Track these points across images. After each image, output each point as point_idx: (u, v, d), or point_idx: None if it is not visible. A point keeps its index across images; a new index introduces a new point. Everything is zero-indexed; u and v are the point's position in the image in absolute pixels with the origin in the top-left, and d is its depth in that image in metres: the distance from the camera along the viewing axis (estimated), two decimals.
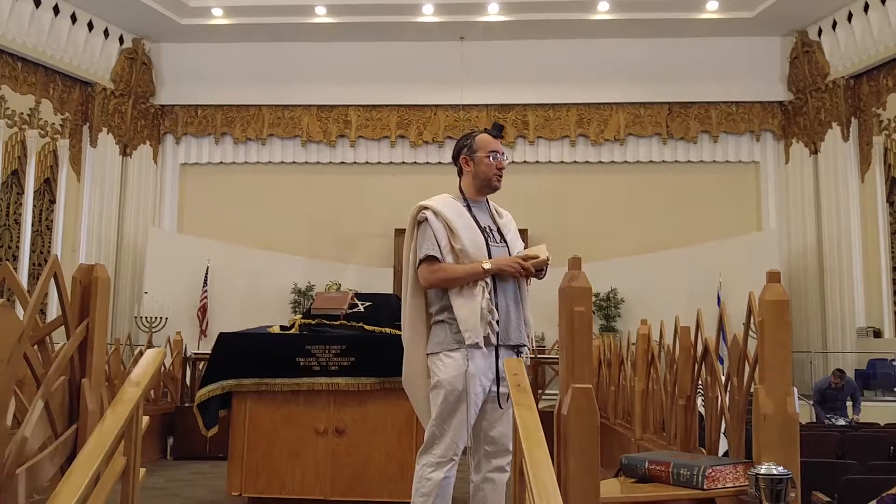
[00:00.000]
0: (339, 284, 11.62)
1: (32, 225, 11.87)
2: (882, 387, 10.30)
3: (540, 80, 12.89)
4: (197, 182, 13.66)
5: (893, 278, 11.49)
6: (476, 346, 2.70)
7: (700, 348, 3.28)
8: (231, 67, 13.18)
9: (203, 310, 12.08)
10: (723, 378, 2.88)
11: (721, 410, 2.90)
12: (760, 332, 2.36)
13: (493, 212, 3.02)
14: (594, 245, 11.95)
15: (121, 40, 12.98)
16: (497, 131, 2.98)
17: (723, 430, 3.01)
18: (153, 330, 11.20)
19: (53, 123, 12.25)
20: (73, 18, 12.14)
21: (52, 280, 1.88)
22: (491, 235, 2.89)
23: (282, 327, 4.53)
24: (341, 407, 4.16)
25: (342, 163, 13.45)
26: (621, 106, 13.13)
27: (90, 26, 12.43)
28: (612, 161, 13.19)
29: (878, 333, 11.36)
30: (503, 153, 2.97)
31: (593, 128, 13.15)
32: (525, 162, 13.12)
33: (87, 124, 12.78)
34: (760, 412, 2.29)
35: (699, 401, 3.54)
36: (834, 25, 12.02)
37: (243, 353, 4.22)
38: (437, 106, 13.29)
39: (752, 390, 2.51)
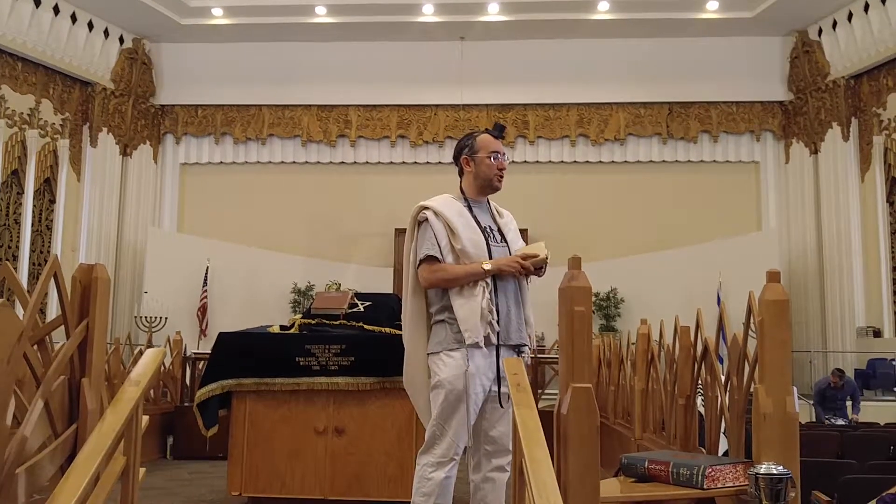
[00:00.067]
0: (339, 284, 11.61)
1: (32, 225, 11.87)
2: (882, 386, 10.30)
3: (540, 80, 12.88)
4: (197, 182, 13.66)
5: (893, 278, 11.49)
6: (476, 345, 2.70)
7: (700, 348, 3.28)
8: (231, 67, 13.18)
9: (203, 309, 12.08)
10: (722, 378, 2.88)
11: (721, 410, 2.90)
12: (760, 331, 2.36)
13: (494, 212, 3.02)
14: (594, 245, 11.95)
15: (121, 40, 12.98)
16: (498, 132, 2.99)
17: (722, 429, 3.01)
18: (153, 329, 11.20)
19: (53, 123, 12.25)
20: (73, 18, 12.14)
21: (52, 280, 1.88)
22: (491, 235, 2.89)
23: (282, 327, 4.53)
24: (341, 407, 4.16)
25: (342, 163, 13.45)
26: (621, 106, 13.12)
27: (90, 26, 12.43)
28: (612, 161, 13.19)
29: (877, 333, 11.36)
30: (504, 153, 2.97)
31: (593, 128, 13.15)
32: (525, 162, 13.12)
33: (88, 124, 12.78)
34: (760, 412, 2.29)
35: (699, 400, 3.54)
36: (834, 25, 12.02)
37: (243, 353, 4.23)
38: (437, 106, 13.28)
39: (751, 390, 2.51)
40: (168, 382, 7.54)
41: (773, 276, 2.40)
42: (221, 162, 13.59)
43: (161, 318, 11.53)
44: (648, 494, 2.34)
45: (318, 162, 13.47)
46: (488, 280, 2.76)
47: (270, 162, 13.54)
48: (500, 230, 2.95)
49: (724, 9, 12.15)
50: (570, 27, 12.53)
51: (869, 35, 11.46)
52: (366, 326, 4.35)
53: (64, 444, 1.89)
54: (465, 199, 2.94)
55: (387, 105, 13.31)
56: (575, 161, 13.23)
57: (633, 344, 5.40)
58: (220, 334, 4.40)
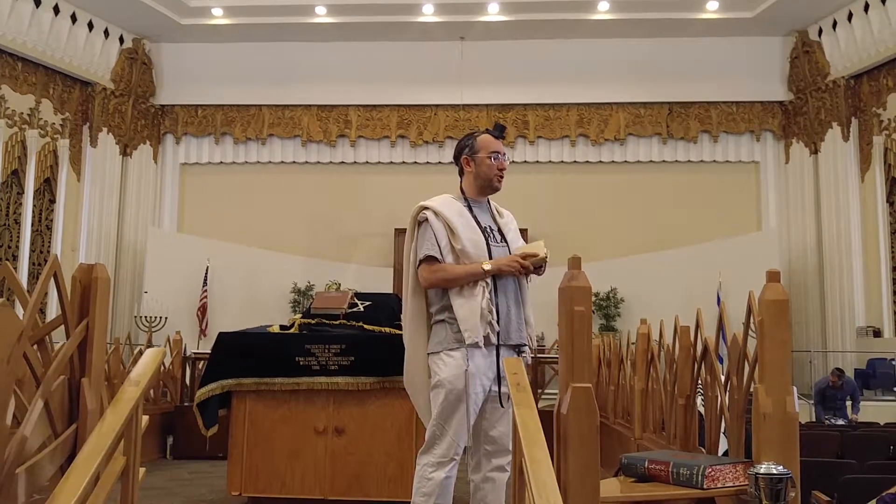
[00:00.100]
0: (339, 284, 11.61)
1: (32, 225, 11.87)
2: (882, 386, 10.31)
3: (540, 80, 12.88)
4: (197, 182, 13.66)
5: (893, 278, 11.50)
6: (476, 345, 2.70)
7: (700, 348, 3.28)
8: (231, 67, 13.18)
9: (203, 309, 12.08)
10: (722, 377, 2.88)
11: (721, 410, 2.90)
12: (760, 331, 2.36)
13: (494, 212, 3.02)
14: (594, 245, 11.95)
15: (121, 40, 12.98)
16: (499, 132, 2.99)
17: (722, 429, 3.00)
18: (153, 329, 11.20)
19: (53, 123, 12.25)
20: (73, 18, 12.14)
21: (52, 279, 1.88)
22: (491, 235, 2.90)
23: (281, 327, 4.53)
24: (341, 406, 4.16)
25: (342, 162, 13.45)
26: (621, 106, 13.12)
27: (90, 26, 12.43)
28: (612, 161, 13.19)
29: (877, 333, 11.37)
30: (504, 154, 2.97)
31: (593, 128, 13.14)
32: (525, 162, 13.11)
33: (87, 124, 12.78)
34: (760, 411, 2.29)
35: (699, 400, 3.54)
36: (834, 25, 12.02)
37: (243, 353, 4.23)
38: (437, 106, 13.28)
39: (751, 390, 2.51)
40: (168, 382, 7.54)
41: (773, 276, 2.40)
42: (221, 162, 13.59)
43: (161, 317, 11.53)
44: (648, 494, 2.34)
45: (318, 162, 13.47)
46: (488, 280, 2.77)
47: (270, 162, 13.54)
48: (500, 230, 2.96)
49: (724, 9, 12.15)
50: (570, 27, 12.53)
51: (869, 35, 11.46)
52: (366, 326, 4.35)
53: (64, 443, 1.89)
54: (466, 199, 2.94)
55: (387, 105, 13.31)
56: (575, 161, 13.23)
57: (632, 344, 5.40)
58: (220, 334, 4.40)
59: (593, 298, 8.01)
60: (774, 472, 2.01)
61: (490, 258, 2.80)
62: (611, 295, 12.14)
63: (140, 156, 13.36)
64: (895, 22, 11.01)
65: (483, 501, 2.78)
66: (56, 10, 11.81)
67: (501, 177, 2.95)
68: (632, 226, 12.62)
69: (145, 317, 11.60)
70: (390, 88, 13.10)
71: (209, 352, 4.57)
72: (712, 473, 2.26)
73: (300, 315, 4.64)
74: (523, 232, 3.17)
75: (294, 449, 4.15)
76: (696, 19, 12.34)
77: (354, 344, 4.18)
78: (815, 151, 12.48)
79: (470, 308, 2.72)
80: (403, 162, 13.37)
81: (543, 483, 1.76)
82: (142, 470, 2.21)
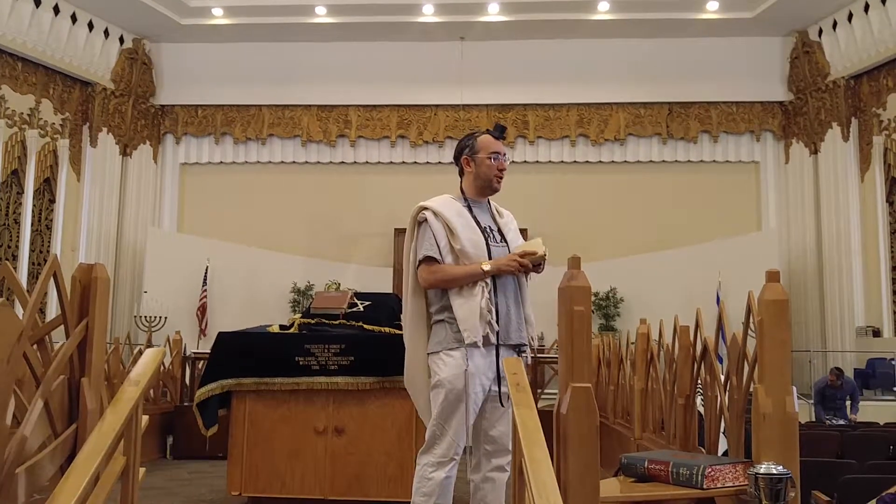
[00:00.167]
0: (339, 284, 11.61)
1: (32, 224, 11.86)
2: (881, 386, 10.31)
3: (540, 80, 12.88)
4: (197, 182, 13.66)
5: (893, 278, 11.50)
6: (475, 345, 2.70)
7: (699, 348, 3.28)
8: (231, 67, 13.18)
9: (202, 309, 12.08)
10: (722, 377, 2.88)
11: (720, 410, 2.90)
12: (760, 331, 2.36)
13: (494, 212, 3.02)
14: (594, 245, 11.95)
15: (121, 40, 12.98)
16: (499, 132, 2.99)
17: (722, 429, 3.00)
18: (153, 329, 11.20)
19: (53, 123, 12.24)
20: (74, 18, 12.13)
21: (52, 279, 1.88)
22: (491, 235, 2.90)
23: (281, 326, 4.53)
24: (341, 406, 4.16)
25: (342, 163, 13.45)
26: (621, 106, 13.12)
27: (90, 26, 12.43)
28: (612, 161, 13.19)
29: (877, 333, 11.37)
30: (504, 154, 2.97)
31: (593, 128, 13.14)
32: (525, 162, 13.11)
33: (87, 124, 12.78)
34: (760, 411, 2.29)
35: (698, 400, 3.54)
36: (834, 25, 12.02)
37: (242, 353, 4.23)
38: (437, 106, 13.28)
39: (751, 390, 2.51)
40: (168, 382, 7.54)
41: (773, 276, 2.40)
42: (221, 162, 13.59)
43: (161, 317, 11.53)
44: (648, 494, 2.34)
45: (318, 162, 13.47)
46: (487, 280, 2.77)
47: (270, 162, 13.54)
48: (499, 230, 2.96)
49: (724, 9, 12.15)
50: (570, 27, 12.53)
51: (869, 35, 11.46)
52: (365, 326, 4.35)
53: (64, 443, 1.89)
54: (465, 200, 2.95)
55: (387, 105, 13.31)
56: (575, 161, 13.23)
57: (632, 343, 5.40)
58: (220, 334, 4.40)
59: (593, 298, 8.00)
60: (774, 472, 2.01)
61: (489, 258, 2.80)
62: (610, 295, 12.14)
63: (140, 156, 13.36)
64: (895, 22, 11.01)
65: (483, 501, 2.78)
66: (56, 10, 11.81)
67: (501, 177, 2.96)
68: (632, 226, 12.62)
69: (145, 317, 11.61)
70: (390, 88, 13.10)
71: (209, 352, 4.57)
72: (712, 473, 2.26)
73: (300, 315, 4.64)
74: (523, 232, 3.17)
75: (294, 449, 4.15)
76: (696, 19, 12.34)
77: (354, 344, 4.18)
78: (815, 151, 12.48)
79: (469, 308, 2.73)
80: (403, 162, 13.37)
81: (543, 483, 1.76)
82: (142, 470, 2.21)
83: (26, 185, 11.77)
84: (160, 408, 7.14)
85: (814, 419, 8.49)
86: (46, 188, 12.19)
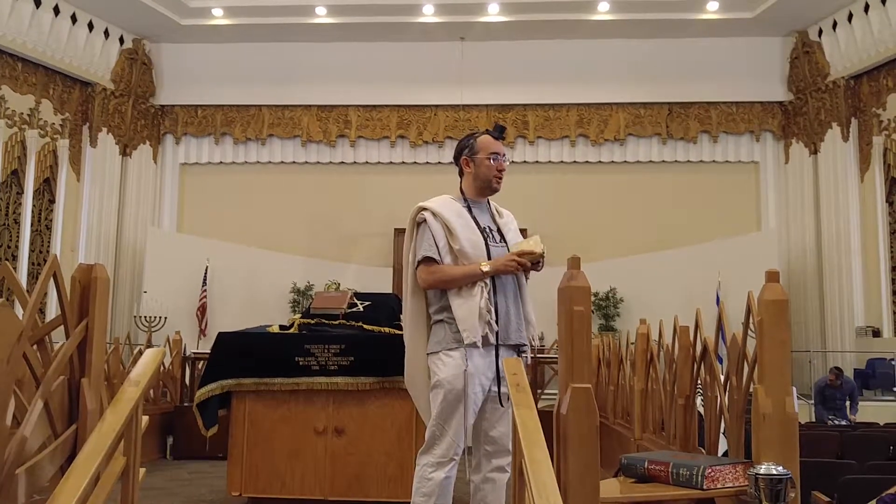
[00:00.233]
0: (339, 284, 11.61)
1: (32, 225, 11.86)
2: (881, 386, 10.31)
3: (540, 80, 12.89)
4: (197, 182, 13.66)
5: (893, 278, 11.50)
6: (474, 345, 2.70)
7: (699, 348, 3.28)
8: (231, 67, 13.19)
9: (202, 309, 12.08)
10: (722, 378, 2.88)
11: (720, 410, 2.90)
12: (759, 331, 2.36)
13: (494, 212, 3.02)
14: (594, 245, 11.96)
15: (121, 40, 12.98)
16: (499, 133, 2.99)
17: (722, 429, 3.00)
18: (152, 329, 11.20)
19: (53, 123, 12.24)
20: (74, 19, 12.14)
21: (52, 280, 1.88)
22: (490, 236, 2.90)
23: (281, 327, 4.53)
24: (340, 407, 4.16)
25: (342, 163, 13.45)
26: (621, 106, 13.13)
27: (90, 26, 12.43)
28: (612, 161, 13.19)
29: (877, 333, 11.37)
30: (504, 155, 2.97)
31: (593, 128, 13.15)
32: (525, 162, 13.12)
33: (87, 124, 12.78)
34: (760, 412, 2.29)
35: (698, 400, 3.54)
36: (834, 26, 12.02)
37: (242, 353, 4.23)
38: (437, 106, 13.28)
39: (751, 390, 2.51)
40: (168, 382, 7.54)
41: (773, 276, 2.40)
42: (221, 162, 13.59)
43: (160, 317, 11.53)
44: (648, 495, 2.34)
45: (318, 162, 13.47)
46: (487, 280, 2.77)
47: (270, 162, 13.54)
48: (499, 230, 2.96)
49: (724, 9, 12.16)
50: (570, 28, 12.53)
51: (869, 35, 11.47)
52: (365, 326, 4.35)
53: (64, 444, 1.89)
54: (465, 200, 2.95)
55: (387, 105, 13.31)
56: (575, 161, 13.23)
57: (632, 344, 5.40)
58: (220, 334, 4.40)
59: (593, 298, 7.99)
60: (774, 472, 2.01)
61: (489, 258, 2.80)
62: (610, 295, 12.14)
63: (140, 156, 13.36)
64: (895, 22, 11.01)
65: (483, 502, 2.78)
66: (56, 10, 11.81)
67: (500, 178, 2.95)
68: (631, 226, 12.62)
69: (145, 317, 11.61)
70: (390, 88, 13.10)
71: (209, 352, 4.57)
72: (712, 474, 2.26)
73: (300, 315, 4.64)
74: (523, 232, 3.16)
75: (294, 449, 4.15)
76: (696, 20, 12.34)
77: (354, 344, 4.18)
78: (815, 152, 12.48)
79: (468, 308, 2.73)
80: (403, 162, 13.37)
81: (543, 484, 1.76)
82: (142, 470, 2.21)
83: (26, 185, 11.77)
84: (160, 408, 7.13)
85: (814, 419, 8.49)
86: (46, 188, 12.19)
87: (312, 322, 4.42)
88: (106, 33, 12.71)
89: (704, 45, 12.69)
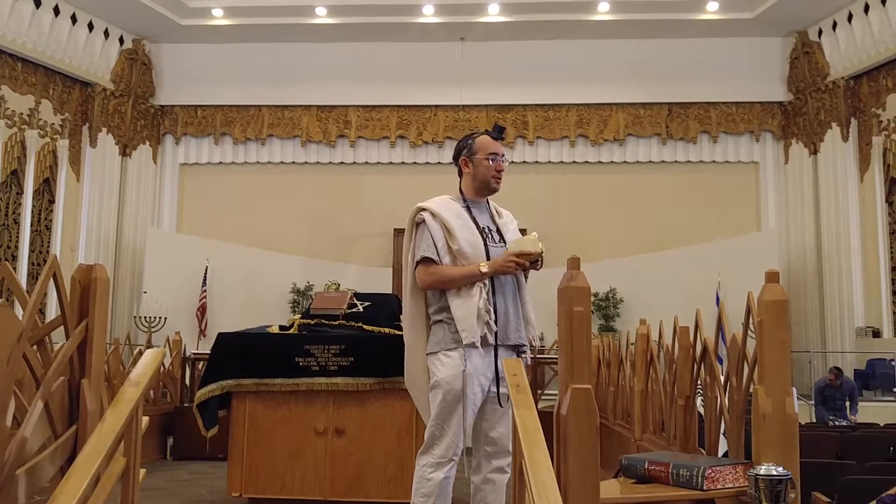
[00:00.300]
0: (339, 284, 11.61)
1: (32, 225, 11.87)
2: (881, 387, 10.31)
3: (540, 80, 12.89)
4: (196, 182, 13.66)
5: (892, 278, 11.50)
6: (473, 345, 2.70)
7: (699, 348, 3.27)
8: (231, 67, 13.19)
9: (202, 310, 12.08)
10: (722, 378, 2.88)
11: (720, 411, 2.90)
12: (759, 332, 2.36)
13: (493, 212, 3.02)
14: (593, 245, 11.96)
15: (121, 41, 12.98)
16: (498, 133, 2.98)
17: (722, 430, 3.00)
18: (152, 330, 11.20)
19: (53, 123, 12.25)
20: (73, 19, 12.14)
21: (52, 280, 1.88)
22: (490, 236, 2.90)
23: (281, 327, 4.53)
24: (340, 407, 4.16)
25: (342, 163, 13.46)
26: (621, 106, 13.13)
27: (90, 27, 12.44)
28: (612, 161, 13.20)
29: (876, 333, 11.37)
30: (503, 155, 2.97)
31: (593, 128, 13.15)
32: (525, 162, 13.12)
33: (87, 124, 12.78)
34: (760, 412, 2.29)
35: (698, 401, 3.54)
36: (834, 26, 12.03)
37: (242, 354, 4.22)
38: (436, 106, 13.29)
39: (751, 390, 2.51)
40: (168, 383, 7.54)
41: (772, 277, 2.40)
42: (221, 162, 13.59)
43: (160, 318, 11.53)
44: (648, 495, 2.34)
45: (318, 162, 13.48)
46: (486, 280, 2.76)
47: (270, 162, 13.54)
48: (498, 230, 2.95)
49: (724, 10, 12.16)
50: (570, 28, 12.54)
51: (869, 36, 11.47)
52: (365, 327, 4.35)
53: (64, 445, 1.89)
54: (464, 200, 2.95)
55: (386, 105, 13.32)
56: (574, 161, 13.24)
57: (632, 344, 5.40)
58: (220, 335, 4.39)
59: (592, 299, 7.99)
60: (774, 473, 2.01)
61: (488, 259, 2.80)
62: (610, 295, 12.14)
63: (139, 156, 13.36)
64: (895, 23, 11.02)
65: (483, 502, 2.78)
66: (56, 10, 11.81)
67: (499, 178, 2.95)
68: (631, 226, 12.62)
69: (145, 317, 11.61)
70: (390, 89, 13.11)
71: (209, 352, 4.57)
72: (712, 475, 2.25)
73: (299, 315, 4.63)
74: (522, 232, 3.16)
75: (294, 449, 4.15)
76: (696, 20, 12.35)
77: (354, 344, 4.18)
78: (815, 152, 12.49)
79: (467, 308, 2.72)
80: (403, 162, 13.37)
81: (543, 484, 1.76)
82: (142, 471, 2.21)
83: (26, 185, 11.77)
84: (160, 409, 7.13)
85: (814, 420, 8.49)
86: (46, 188, 12.19)
87: (312, 322, 4.42)
88: (106, 33, 12.72)
89: (704, 45, 12.70)
